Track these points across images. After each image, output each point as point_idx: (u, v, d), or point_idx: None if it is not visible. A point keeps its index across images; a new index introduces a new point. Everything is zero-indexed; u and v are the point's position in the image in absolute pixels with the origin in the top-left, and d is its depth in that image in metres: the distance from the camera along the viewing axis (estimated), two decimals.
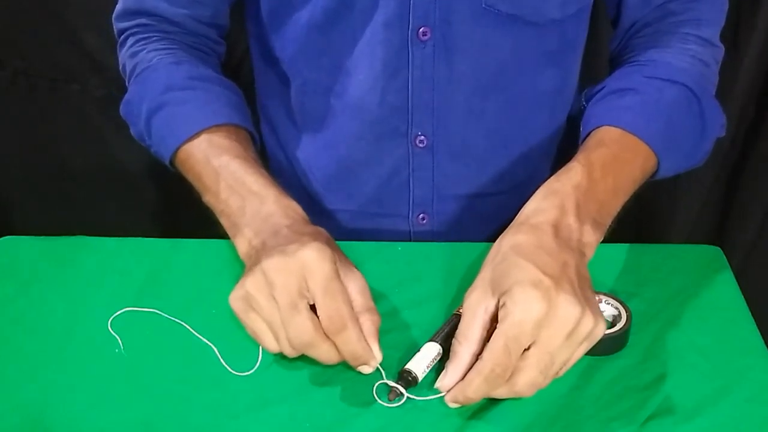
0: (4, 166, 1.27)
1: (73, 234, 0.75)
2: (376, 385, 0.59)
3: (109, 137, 1.18)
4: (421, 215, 0.82)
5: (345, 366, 0.59)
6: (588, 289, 0.56)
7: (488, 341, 0.53)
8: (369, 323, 0.59)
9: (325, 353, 0.57)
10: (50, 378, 0.60)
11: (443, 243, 0.74)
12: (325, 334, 0.56)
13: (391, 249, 0.73)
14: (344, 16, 0.72)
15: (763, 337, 0.63)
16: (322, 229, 0.62)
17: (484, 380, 0.53)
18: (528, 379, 0.53)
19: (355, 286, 0.60)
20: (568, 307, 0.52)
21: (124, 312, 0.65)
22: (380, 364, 0.59)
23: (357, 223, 0.84)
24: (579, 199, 0.60)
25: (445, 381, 0.56)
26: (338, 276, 0.57)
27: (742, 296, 0.67)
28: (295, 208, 0.64)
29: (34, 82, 1.19)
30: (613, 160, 0.65)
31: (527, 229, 0.57)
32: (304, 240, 0.58)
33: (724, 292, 0.68)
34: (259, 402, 0.58)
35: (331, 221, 0.86)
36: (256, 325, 0.57)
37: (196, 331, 0.64)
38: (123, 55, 0.79)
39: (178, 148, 0.70)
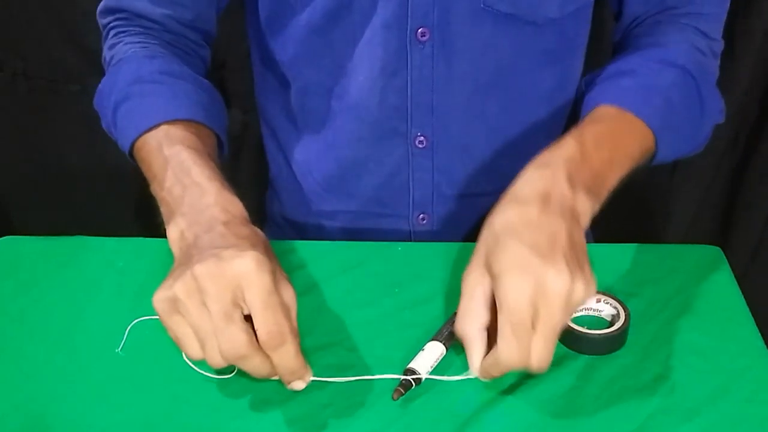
0: (3, 166, 1.27)
1: (73, 234, 0.75)
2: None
3: (108, 137, 1.19)
4: (421, 215, 0.83)
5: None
6: (582, 254, 0.56)
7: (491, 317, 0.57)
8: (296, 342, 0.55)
9: (257, 366, 0.54)
10: (50, 378, 0.60)
11: (443, 243, 0.74)
12: (259, 347, 0.53)
13: (391, 249, 0.73)
14: (343, 17, 0.72)
15: (763, 337, 0.63)
16: (259, 232, 0.59)
17: (502, 366, 0.54)
18: (539, 356, 0.54)
19: (288, 299, 0.56)
20: (556, 280, 0.53)
21: (124, 312, 0.65)
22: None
23: (357, 224, 0.84)
24: (571, 170, 0.59)
25: (474, 365, 0.58)
26: (276, 289, 0.54)
27: (742, 296, 0.67)
28: (236, 205, 0.61)
29: (33, 83, 1.19)
30: (608, 134, 0.65)
31: (515, 204, 0.58)
32: (242, 246, 0.55)
33: (724, 292, 0.68)
34: (259, 402, 0.58)
35: (331, 222, 0.86)
36: (179, 329, 0.54)
37: None
38: (105, 48, 0.79)
39: (136, 138, 0.68)
